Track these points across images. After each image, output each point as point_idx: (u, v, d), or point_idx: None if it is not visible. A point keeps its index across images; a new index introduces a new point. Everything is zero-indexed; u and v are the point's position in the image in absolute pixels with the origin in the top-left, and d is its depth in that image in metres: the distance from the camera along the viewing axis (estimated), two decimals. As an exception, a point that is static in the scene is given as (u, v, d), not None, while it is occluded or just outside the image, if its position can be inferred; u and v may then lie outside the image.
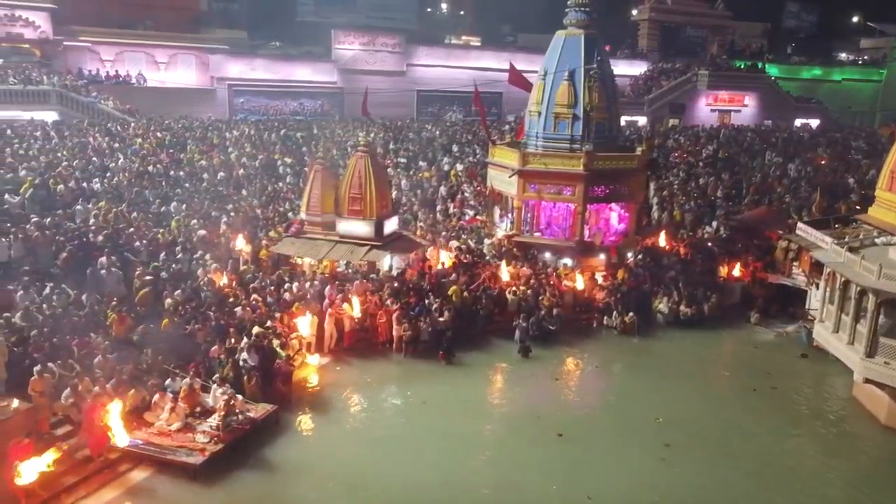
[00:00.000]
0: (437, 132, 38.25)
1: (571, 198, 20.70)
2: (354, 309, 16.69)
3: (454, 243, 21.93)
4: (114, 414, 11.25)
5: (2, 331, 12.41)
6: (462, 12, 69.74)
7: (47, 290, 14.18)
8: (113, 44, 37.75)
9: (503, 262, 19.73)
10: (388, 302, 17.28)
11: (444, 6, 69.87)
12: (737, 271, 20.90)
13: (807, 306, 19.19)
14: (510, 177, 21.09)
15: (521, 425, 13.67)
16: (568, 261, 20.78)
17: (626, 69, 56.51)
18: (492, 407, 14.93)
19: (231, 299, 16.17)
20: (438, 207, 26.49)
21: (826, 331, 15.55)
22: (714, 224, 24.91)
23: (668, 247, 22.58)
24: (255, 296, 16.18)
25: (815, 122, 55.24)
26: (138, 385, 12.46)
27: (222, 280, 17.07)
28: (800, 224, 19.12)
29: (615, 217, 22.32)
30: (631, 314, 18.54)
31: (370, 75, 43.55)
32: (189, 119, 33.39)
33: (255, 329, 14.59)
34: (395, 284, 17.81)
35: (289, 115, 40.86)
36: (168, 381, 12.99)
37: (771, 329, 19.06)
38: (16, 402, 10.73)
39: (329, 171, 20.28)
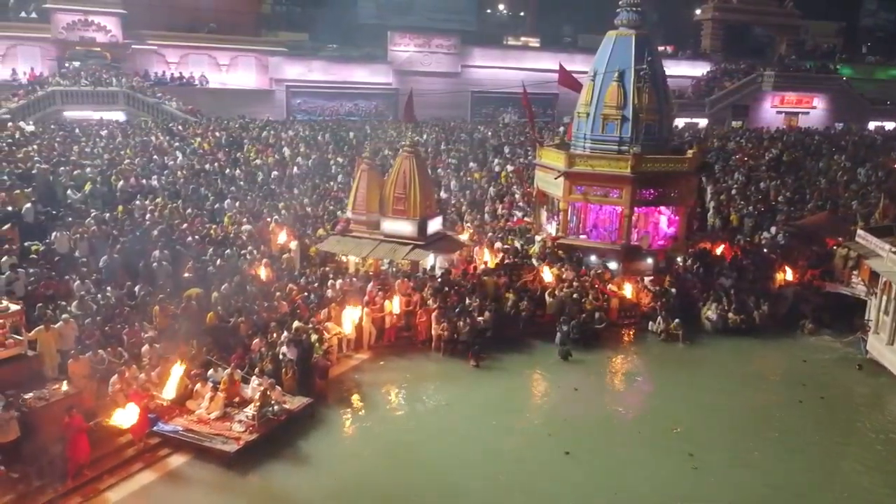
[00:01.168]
0: (489, 133, 38.22)
1: (618, 200, 20.33)
2: (394, 306, 16.89)
3: (500, 244, 21.92)
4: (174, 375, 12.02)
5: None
6: (522, 13, 69.45)
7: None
8: (178, 47, 39.37)
9: (545, 264, 19.55)
10: (429, 301, 17.43)
11: (502, 8, 69.69)
12: (791, 278, 20.14)
13: (866, 317, 18.30)
14: (555, 178, 20.90)
15: (543, 431, 13.40)
16: (613, 264, 20.45)
17: (688, 70, 55.20)
18: (518, 412, 14.56)
19: (277, 294, 16.65)
20: (486, 208, 26.46)
21: (881, 343, 14.82)
22: (773, 230, 24.02)
23: (721, 252, 21.91)
24: (296, 290, 16.53)
25: (890, 125, 52.53)
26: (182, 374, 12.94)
27: (266, 275, 17.54)
28: (859, 231, 18.24)
29: (664, 221, 21.82)
30: (676, 321, 18.12)
31: (425, 76, 43.96)
32: (246, 119, 34.36)
33: (296, 324, 14.99)
34: (436, 284, 17.90)
35: (344, 115, 41.60)
36: (210, 372, 13.45)
37: (825, 339, 18.25)
38: (65, 385, 11.35)
39: (375, 170, 20.51)
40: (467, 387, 15.10)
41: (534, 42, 57.75)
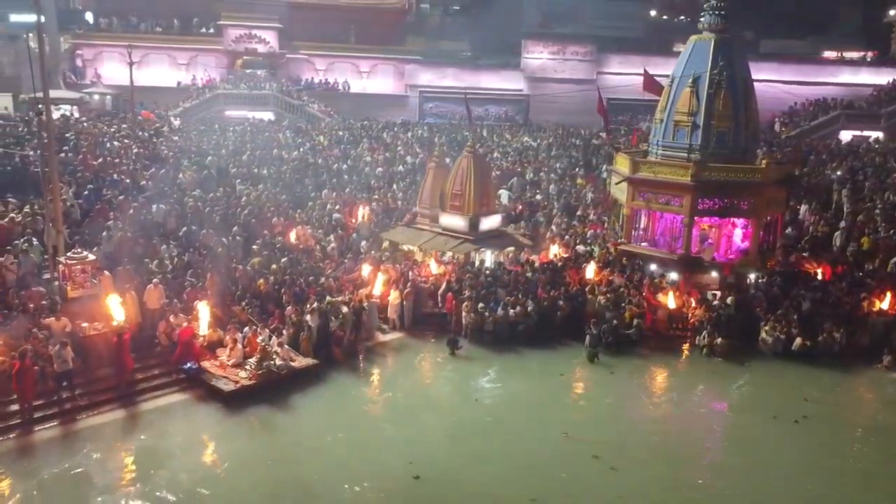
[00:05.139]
0: (621, 140, 37.75)
1: (678, 209, 19.76)
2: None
3: (581, 248, 22.19)
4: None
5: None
6: (692, 19, 66.33)
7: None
8: (325, 56, 43.80)
9: (590, 266, 19.64)
10: (466, 293, 18.39)
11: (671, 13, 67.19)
12: (887, 307, 18.18)
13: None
14: (617, 184, 20.80)
15: (525, 427, 13.65)
16: (674, 275, 19.90)
17: (868, 78, 49.61)
18: (507, 407, 14.78)
19: (328, 271, 18.69)
20: (579, 213, 26.60)
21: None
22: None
23: (815, 271, 20.30)
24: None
25: None
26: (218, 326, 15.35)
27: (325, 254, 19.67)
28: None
29: (739, 234, 20.70)
30: (720, 338, 17.34)
31: (557, 83, 44.38)
32: (370, 120, 37.36)
33: (328, 298, 16.83)
34: (472, 274, 18.83)
35: (475, 120, 43.27)
36: (245, 329, 15.67)
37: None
38: (115, 322, 14.10)
39: (442, 168, 21.88)
40: (473, 376, 15.82)
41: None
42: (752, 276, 19.83)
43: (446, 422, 13.71)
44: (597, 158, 34.22)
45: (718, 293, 19.09)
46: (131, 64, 32.87)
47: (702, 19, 20.49)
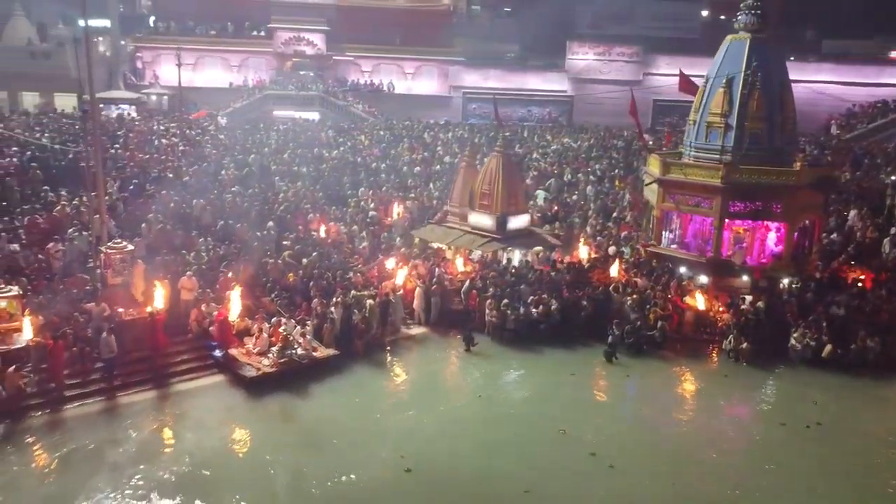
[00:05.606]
0: (651, 141, 37.23)
1: (708, 211, 19.52)
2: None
3: (613, 249, 22.17)
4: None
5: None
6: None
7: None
8: (371, 57, 44.70)
9: (614, 265, 19.62)
10: (490, 291, 18.64)
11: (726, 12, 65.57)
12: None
13: None
14: (647, 185, 20.67)
15: (525, 426, 13.67)
16: (704, 278, 19.66)
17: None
18: (517, 403, 15.00)
19: (358, 266, 19.25)
20: (615, 214, 26.48)
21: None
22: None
23: (854, 279, 19.74)
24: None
25: None
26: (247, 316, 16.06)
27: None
28: None
29: (773, 237, 20.27)
30: (745, 343, 17.08)
31: (602, 84, 44.02)
32: (412, 121, 37.93)
33: (353, 292, 17.36)
34: (496, 272, 19.07)
35: (516, 121, 43.44)
36: (273, 319, 16.33)
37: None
38: (150, 308, 14.96)
39: (473, 167, 22.16)
40: (485, 373, 16.01)
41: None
42: (786, 281, 19.42)
43: (448, 416, 13.97)
44: (638, 160, 33.83)
45: (749, 297, 18.81)
46: (180, 65, 34.39)
47: (738, 18, 20.15)
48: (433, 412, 14.10)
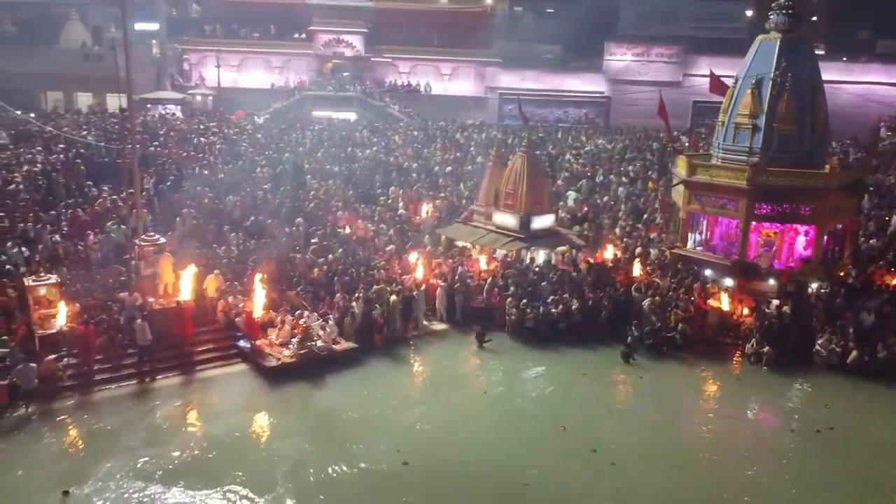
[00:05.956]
0: (687, 143, 36.77)
1: (733, 213, 19.28)
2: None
3: (640, 250, 22.13)
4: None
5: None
6: (814, 18, 62.90)
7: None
8: (408, 59, 45.28)
9: (635, 265, 19.59)
10: (511, 289, 18.84)
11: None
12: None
13: None
14: (673, 186, 20.53)
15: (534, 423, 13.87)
16: (729, 281, 19.45)
17: None
18: (524, 399, 15.12)
19: (382, 263, 19.68)
20: (645, 216, 26.35)
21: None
22: None
23: (887, 283, 19.29)
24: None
25: None
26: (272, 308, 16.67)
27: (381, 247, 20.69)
28: None
29: (802, 241, 19.90)
30: (767, 347, 16.86)
31: (640, 85, 43.60)
32: (447, 121, 38.29)
33: (375, 287, 17.79)
34: (517, 271, 19.26)
35: (553, 122, 43.41)
36: (297, 312, 16.90)
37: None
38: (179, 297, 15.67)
39: (499, 167, 22.35)
40: (497, 370, 16.24)
41: (819, 49, 52.08)
42: (814, 286, 19.07)
43: (450, 411, 14.18)
44: (671, 162, 33.43)
45: (777, 301, 18.54)
46: (219, 67, 35.49)
47: (770, 18, 19.86)
48: (437, 406, 14.34)
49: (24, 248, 16.36)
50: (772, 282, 19.14)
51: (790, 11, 19.43)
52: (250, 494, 11.00)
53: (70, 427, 12.81)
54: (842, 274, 19.65)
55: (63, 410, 13.18)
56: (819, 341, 17.08)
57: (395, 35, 44.28)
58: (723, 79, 21.96)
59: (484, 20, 45.96)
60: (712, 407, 15.50)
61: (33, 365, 13.16)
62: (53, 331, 14.04)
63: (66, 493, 10.80)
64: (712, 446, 13.39)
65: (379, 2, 45.01)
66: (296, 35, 45.54)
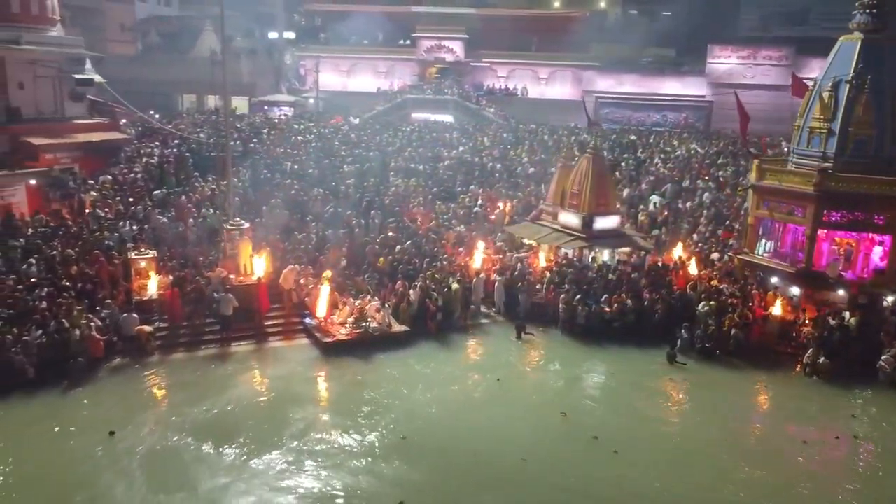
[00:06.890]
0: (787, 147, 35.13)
1: (801, 219, 18.79)
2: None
3: (715, 255, 22.04)
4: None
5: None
6: None
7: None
8: (507, 63, 46.29)
9: (691, 264, 19.57)
10: (566, 286, 19.45)
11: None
12: None
13: None
14: (739, 190, 20.24)
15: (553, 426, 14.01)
16: (796, 290, 18.98)
17: None
18: (539, 394, 15.41)
19: (446, 255, 20.94)
20: (727, 222, 25.82)
21: None
22: None
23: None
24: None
25: None
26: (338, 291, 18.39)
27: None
28: None
29: (878, 251, 18.99)
30: (823, 358, 16.42)
31: (745, 89, 41.94)
32: (536, 125, 38.88)
33: (436, 275, 19.06)
34: (573, 270, 19.84)
35: (650, 126, 42.76)
36: (360, 296, 18.52)
37: None
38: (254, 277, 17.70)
39: (568, 168, 22.93)
40: (534, 363, 16.95)
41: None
42: (890, 299, 18.19)
43: (460, 396, 14.91)
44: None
45: (847, 314, 17.90)
46: (318, 73, 38.19)
47: (853, 17, 19.15)
48: (458, 391, 15.17)
49: (134, 227, 19.16)
50: (842, 292, 18.49)
51: (874, 11, 18.68)
52: (256, 449, 12.33)
53: (146, 379, 14.85)
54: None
55: (147, 365, 15.35)
56: (884, 356, 16.44)
57: (494, 40, 45.54)
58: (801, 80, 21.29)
59: (581, 25, 46.09)
60: (746, 414, 15.27)
61: (136, 315, 15.68)
62: (147, 298, 16.50)
63: (112, 433, 12.59)
64: (729, 452, 13.27)
65: (481, 9, 46.41)
66: (400, 42, 47.96)
